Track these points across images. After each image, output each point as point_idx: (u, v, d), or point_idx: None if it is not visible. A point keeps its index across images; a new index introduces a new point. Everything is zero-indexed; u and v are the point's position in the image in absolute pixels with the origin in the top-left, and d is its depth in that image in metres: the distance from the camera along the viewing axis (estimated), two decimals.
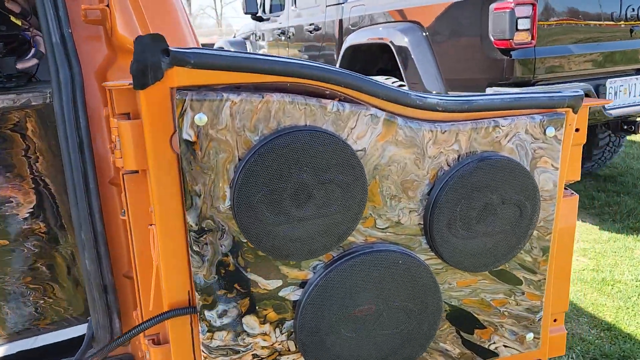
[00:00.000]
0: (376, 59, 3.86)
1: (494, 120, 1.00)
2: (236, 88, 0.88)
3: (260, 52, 5.67)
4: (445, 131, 0.98)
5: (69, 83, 1.13)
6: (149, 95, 0.85)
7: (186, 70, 0.83)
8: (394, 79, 3.54)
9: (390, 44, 3.39)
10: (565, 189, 1.15)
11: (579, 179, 1.15)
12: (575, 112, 1.05)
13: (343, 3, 4.07)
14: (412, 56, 3.26)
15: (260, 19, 5.54)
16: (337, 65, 4.03)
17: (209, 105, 0.85)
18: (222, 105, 0.85)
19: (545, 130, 1.03)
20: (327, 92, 0.93)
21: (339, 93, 0.93)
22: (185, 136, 0.85)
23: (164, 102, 0.86)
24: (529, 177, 1.02)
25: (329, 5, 4.22)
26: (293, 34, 4.82)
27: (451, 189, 0.98)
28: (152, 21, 1.17)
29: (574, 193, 1.17)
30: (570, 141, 1.08)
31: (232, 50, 4.88)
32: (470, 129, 0.99)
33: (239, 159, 0.89)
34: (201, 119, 0.85)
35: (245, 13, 5.41)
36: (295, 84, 0.90)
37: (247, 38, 6.01)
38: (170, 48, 0.83)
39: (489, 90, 2.93)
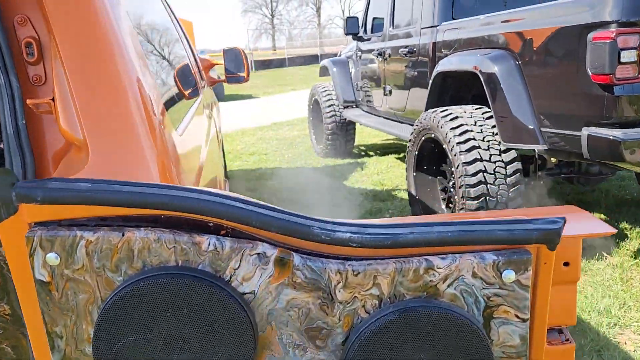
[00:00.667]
0: (470, 84, 3.52)
1: (426, 260, 0.78)
2: (101, 221, 0.78)
3: (360, 73, 5.54)
4: (359, 273, 0.78)
5: (21, 175, 1.13)
6: (6, 230, 0.79)
7: (36, 205, 0.76)
8: (486, 109, 3.19)
9: (478, 72, 3.06)
10: (560, 332, 0.87)
11: (574, 323, 0.86)
12: (551, 248, 0.78)
13: (437, 26, 3.78)
14: (502, 86, 2.91)
15: (361, 39, 5.41)
16: (428, 93, 3.77)
17: (61, 243, 0.76)
18: (76, 244, 0.76)
19: (501, 274, 0.78)
20: (211, 225, 0.79)
21: (224, 226, 0.79)
22: (38, 276, 0.77)
23: (22, 238, 0.79)
24: (474, 333, 0.78)
25: (424, 28, 3.96)
26: (389, 56, 4.62)
27: (364, 345, 0.78)
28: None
29: (570, 340, 0.88)
30: (549, 283, 0.81)
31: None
32: (393, 270, 0.78)
33: (102, 301, 0.79)
34: (53, 258, 0.76)
35: (346, 34, 5.32)
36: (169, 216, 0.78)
37: (350, 57, 5.92)
38: (17, 183, 0.75)
39: (585, 131, 2.49)
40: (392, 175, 5.29)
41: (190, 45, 4.01)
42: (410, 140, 3.62)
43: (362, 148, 6.89)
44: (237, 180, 5.50)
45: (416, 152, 3.57)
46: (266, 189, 5.07)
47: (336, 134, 6.06)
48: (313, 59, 30.81)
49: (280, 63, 29.86)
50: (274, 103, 13.21)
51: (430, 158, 3.56)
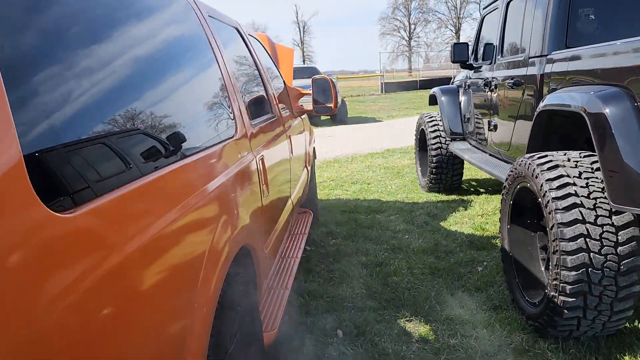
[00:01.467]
0: (582, 126, 2.96)
1: None
2: None
3: (468, 103, 5.05)
4: None
5: None
6: None
7: None
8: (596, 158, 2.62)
9: (583, 113, 2.52)
10: None
11: None
12: None
13: (547, 55, 3.25)
14: (613, 132, 2.34)
15: (470, 67, 4.93)
16: (529, 132, 3.23)
17: None
18: None
19: None
20: None
21: None
22: None
23: None
24: None
25: (532, 57, 3.44)
26: (495, 87, 4.11)
27: None
28: None
29: None
30: None
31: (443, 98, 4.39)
32: None
33: None
34: None
35: (453, 61, 4.89)
36: None
37: (460, 86, 5.45)
38: None
39: None
40: (498, 219, 4.70)
41: (277, 77, 3.92)
42: (504, 187, 3.12)
43: (473, 183, 6.31)
44: (330, 212, 5.29)
45: (511, 202, 3.06)
46: (355, 224, 4.79)
47: (441, 168, 5.60)
48: (447, 82, 29.91)
49: (412, 85, 29.43)
50: (395, 127, 12.89)
51: (529, 209, 3.02)
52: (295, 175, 3.55)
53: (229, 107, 2.07)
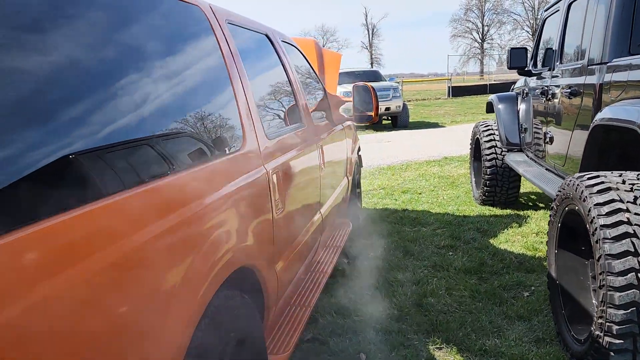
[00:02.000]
0: None
1: None
2: None
3: (526, 112, 4.70)
4: None
5: None
6: None
7: None
8: None
9: (637, 128, 2.22)
10: None
11: None
12: None
13: (607, 62, 2.93)
14: None
15: (529, 74, 4.59)
16: (583, 149, 2.92)
17: None
18: None
19: None
20: None
21: None
22: None
23: None
24: None
25: (592, 65, 3.11)
26: (552, 96, 3.78)
27: None
28: None
29: None
30: None
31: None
32: None
33: None
34: None
35: (510, 67, 4.57)
36: None
37: (519, 93, 5.10)
38: None
39: None
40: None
41: (314, 84, 3.80)
42: (552, 208, 2.83)
43: (532, 197, 5.91)
44: (374, 222, 5.11)
45: (559, 225, 2.77)
46: (398, 237, 4.58)
47: (495, 180, 5.26)
48: None
49: (481, 89, 28.43)
50: (457, 133, 12.43)
51: (579, 234, 2.72)
52: (328, 186, 3.41)
53: (238, 120, 1.96)
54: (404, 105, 14.93)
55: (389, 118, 15.45)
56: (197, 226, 1.48)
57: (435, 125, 15.31)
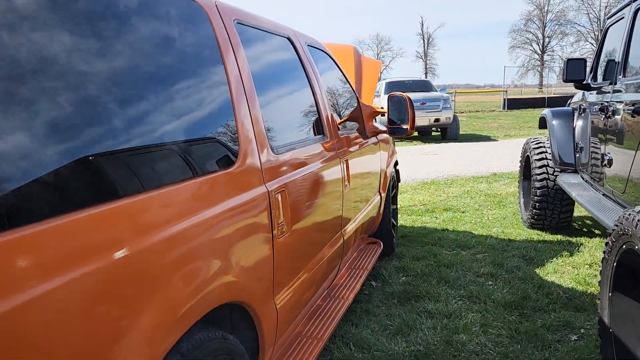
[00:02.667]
0: None
1: None
2: None
3: (582, 130, 4.26)
4: None
5: None
6: None
7: None
8: None
9: None
10: None
11: None
12: None
13: None
14: None
15: (588, 88, 4.15)
16: None
17: None
18: None
19: None
20: None
21: None
22: None
23: None
24: None
25: None
26: (612, 114, 3.35)
27: None
28: None
29: None
30: None
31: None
32: None
33: None
34: None
35: (566, 80, 4.15)
36: None
37: (576, 109, 4.64)
38: None
39: None
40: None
41: (345, 93, 3.54)
42: (606, 243, 2.44)
43: (587, 222, 5.39)
44: (410, 242, 4.78)
45: (614, 264, 2.38)
46: (434, 260, 4.23)
47: (546, 202, 4.81)
48: None
49: (539, 102, 27.27)
50: (509, 148, 11.83)
51: (639, 277, 2.33)
52: (354, 204, 3.13)
53: (233, 132, 1.73)
54: (455, 117, 14.41)
55: (438, 129, 14.96)
56: (158, 257, 1.24)
57: (486, 138, 14.69)
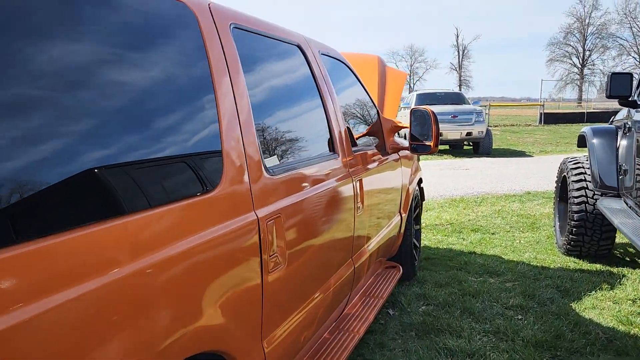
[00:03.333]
0: None
1: None
2: None
3: (627, 151, 3.88)
4: None
5: None
6: None
7: None
8: None
9: None
10: None
11: None
12: None
13: None
14: None
15: (634, 105, 3.78)
16: None
17: None
18: None
19: None
20: None
21: None
22: None
23: None
24: None
25: None
26: None
27: None
28: None
29: None
30: None
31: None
32: None
33: None
34: None
35: (609, 96, 3.79)
36: None
37: (620, 127, 4.26)
38: None
39: None
40: None
41: (365, 107, 3.29)
42: None
43: (630, 250, 4.96)
44: (434, 266, 4.46)
45: None
46: (458, 288, 3.91)
47: (584, 228, 4.43)
48: None
49: (578, 117, 26.36)
50: (545, 165, 11.32)
51: None
52: (369, 227, 2.87)
53: (217, 152, 1.50)
54: (488, 131, 13.94)
55: (470, 144, 14.50)
56: (115, 299, 1.02)
57: (521, 154, 14.16)
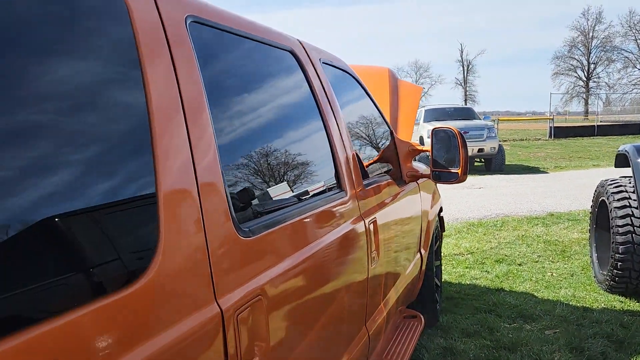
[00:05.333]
0: None
1: None
2: None
3: None
4: None
5: None
6: None
7: None
8: None
9: None
10: None
11: None
12: None
13: None
14: None
15: None
16: None
17: None
18: None
19: None
20: None
21: None
22: None
23: None
24: None
25: None
26: None
27: None
28: None
29: None
30: None
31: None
32: None
33: None
34: None
35: None
36: None
37: None
38: None
39: None
40: None
41: (378, 126, 2.73)
42: None
43: None
44: (458, 307, 3.86)
45: None
46: (490, 338, 3.30)
47: (630, 262, 3.82)
48: (634, 128, 25.56)
49: (588, 131, 25.73)
50: (563, 182, 10.71)
51: None
52: (385, 280, 2.29)
53: (149, 214, 0.92)
54: (500, 147, 13.35)
55: (482, 160, 13.91)
56: None
57: (535, 170, 13.55)
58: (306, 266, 1.41)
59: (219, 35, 1.35)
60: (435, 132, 2.73)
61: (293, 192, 1.55)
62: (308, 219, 1.51)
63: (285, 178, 1.52)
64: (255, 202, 1.30)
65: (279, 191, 1.45)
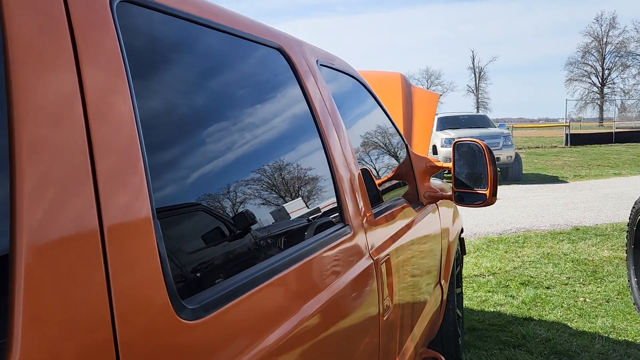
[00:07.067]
0: None
1: None
2: None
3: None
4: None
5: None
6: None
7: None
8: None
9: None
10: None
11: None
12: None
13: None
14: None
15: None
16: None
17: None
18: None
19: None
20: None
21: None
22: None
23: None
24: None
25: None
26: None
27: None
28: None
29: None
30: None
31: None
32: None
33: None
34: None
35: None
36: None
37: None
38: None
39: None
40: None
41: (390, 138, 2.33)
42: None
43: None
44: (481, 341, 3.42)
45: None
46: None
47: None
48: None
49: (604, 138, 25.06)
50: (585, 192, 10.20)
51: None
52: (401, 329, 1.87)
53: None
54: (517, 156, 12.86)
55: (498, 169, 13.41)
56: None
57: (554, 179, 13.02)
58: (294, 342, 1.00)
59: (162, 21, 0.95)
60: (457, 146, 2.32)
61: (273, 237, 1.14)
62: (296, 275, 1.10)
63: (262, 217, 1.11)
64: (207, 259, 0.90)
65: (251, 238, 1.04)
